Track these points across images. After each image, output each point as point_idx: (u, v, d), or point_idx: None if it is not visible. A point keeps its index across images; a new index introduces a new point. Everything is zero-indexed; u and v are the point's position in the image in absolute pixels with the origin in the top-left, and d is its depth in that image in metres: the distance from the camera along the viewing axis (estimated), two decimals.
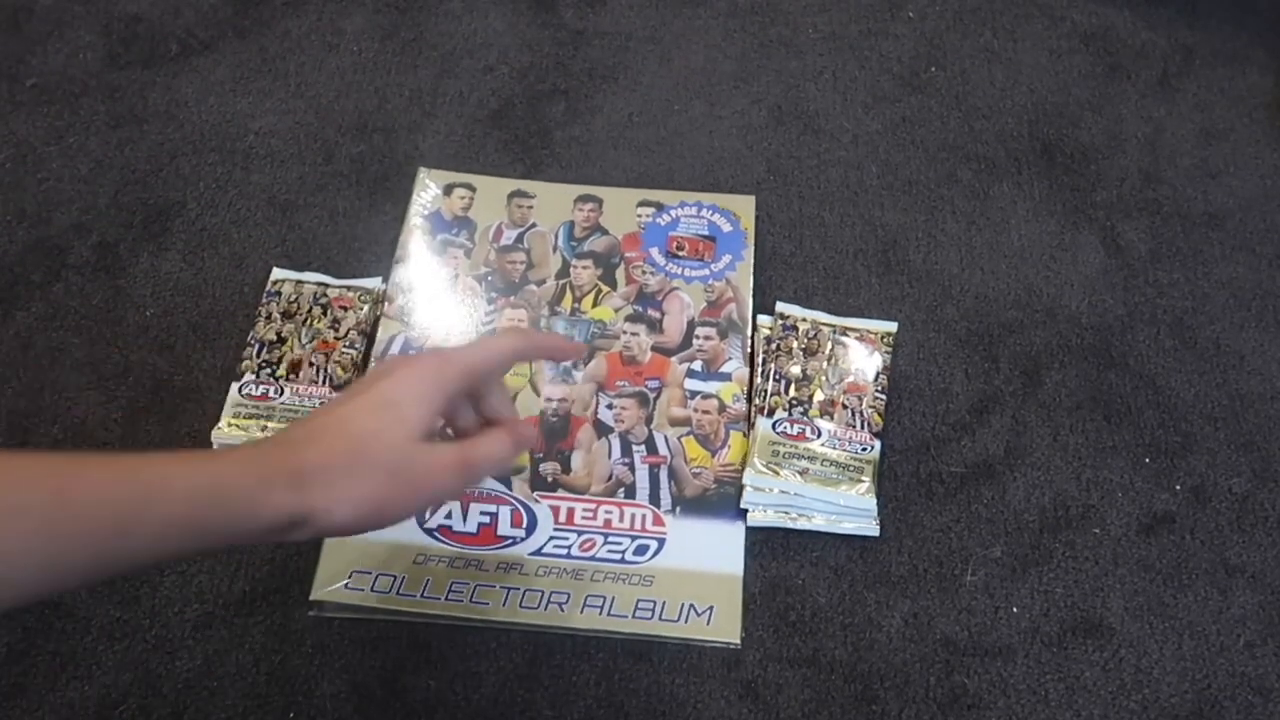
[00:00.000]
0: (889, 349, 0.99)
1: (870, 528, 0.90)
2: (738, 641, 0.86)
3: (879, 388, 0.96)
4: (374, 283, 1.02)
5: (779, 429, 0.92)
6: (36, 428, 0.95)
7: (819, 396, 0.95)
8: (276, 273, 1.03)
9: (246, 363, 0.96)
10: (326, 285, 1.01)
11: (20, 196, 1.08)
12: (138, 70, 1.18)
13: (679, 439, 0.94)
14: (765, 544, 0.90)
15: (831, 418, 0.93)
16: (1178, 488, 0.94)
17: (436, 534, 0.89)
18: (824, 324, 0.99)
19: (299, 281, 1.01)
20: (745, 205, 1.08)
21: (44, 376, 0.98)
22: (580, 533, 0.90)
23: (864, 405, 0.94)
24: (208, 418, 0.94)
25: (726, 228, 1.07)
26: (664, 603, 0.86)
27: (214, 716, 0.82)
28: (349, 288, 1.01)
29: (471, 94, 1.17)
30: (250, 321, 1.00)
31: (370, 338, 0.99)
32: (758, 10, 1.24)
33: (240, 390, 0.94)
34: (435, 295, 1.02)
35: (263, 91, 1.16)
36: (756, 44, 1.22)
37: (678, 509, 0.91)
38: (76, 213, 1.08)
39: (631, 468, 0.93)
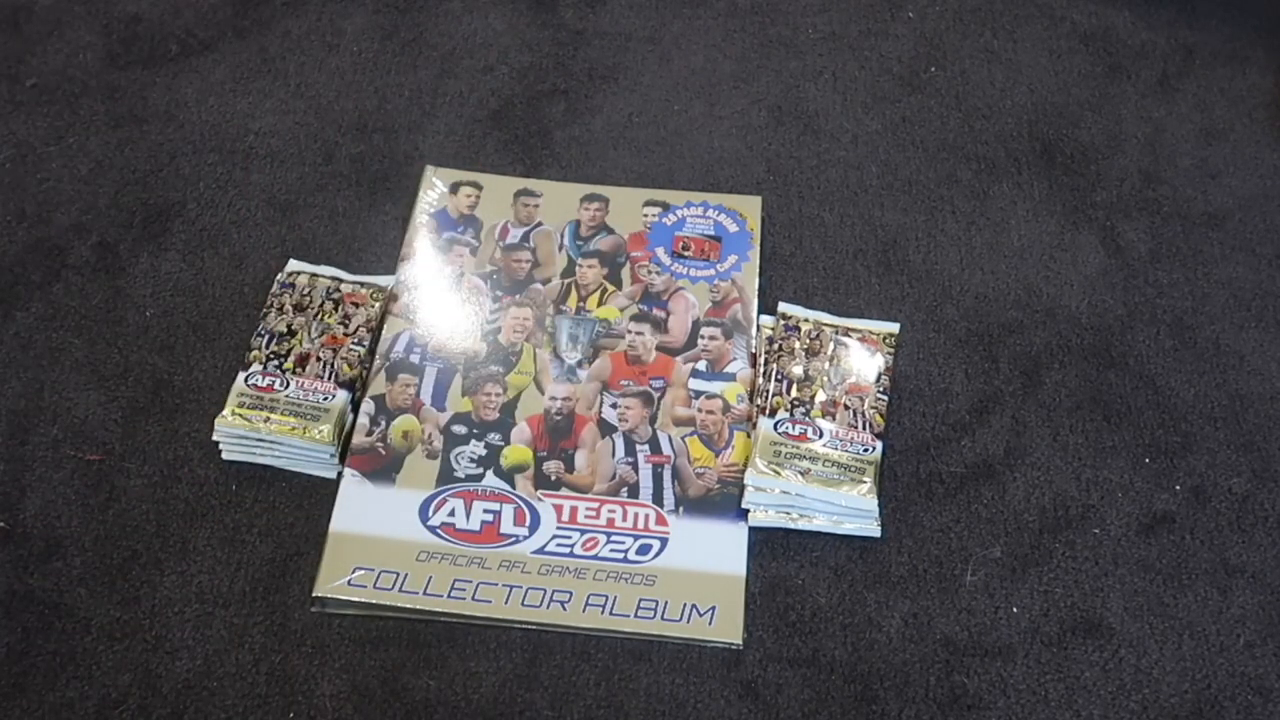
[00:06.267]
0: (891, 350, 0.99)
1: (872, 529, 0.90)
2: (740, 642, 0.86)
3: (881, 389, 0.96)
4: (387, 280, 1.03)
5: (781, 429, 0.93)
6: (36, 428, 0.95)
7: (821, 397, 0.95)
8: (292, 264, 1.03)
9: (255, 353, 0.96)
10: (340, 280, 1.02)
11: (20, 196, 1.08)
12: (138, 70, 1.17)
13: (683, 439, 0.94)
14: (765, 544, 0.91)
15: (833, 418, 0.93)
16: (1178, 488, 0.94)
17: (439, 531, 0.89)
18: (826, 324, 1.00)
19: (314, 275, 1.02)
20: (751, 205, 1.08)
21: (44, 376, 0.97)
22: (583, 532, 0.90)
23: (865, 406, 0.94)
24: (208, 417, 0.94)
25: (732, 228, 1.07)
26: (666, 602, 0.87)
27: (214, 716, 0.82)
28: (361, 284, 1.02)
29: (471, 94, 1.17)
30: (251, 321, 1.00)
31: (376, 335, 0.99)
32: (758, 10, 1.24)
33: (246, 380, 0.94)
34: (441, 293, 1.02)
35: (263, 91, 1.16)
36: (756, 44, 1.22)
37: (681, 509, 0.91)
38: (76, 213, 1.07)
39: (635, 467, 0.93)
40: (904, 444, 0.96)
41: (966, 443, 0.96)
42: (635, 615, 0.86)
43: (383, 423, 0.95)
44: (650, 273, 1.04)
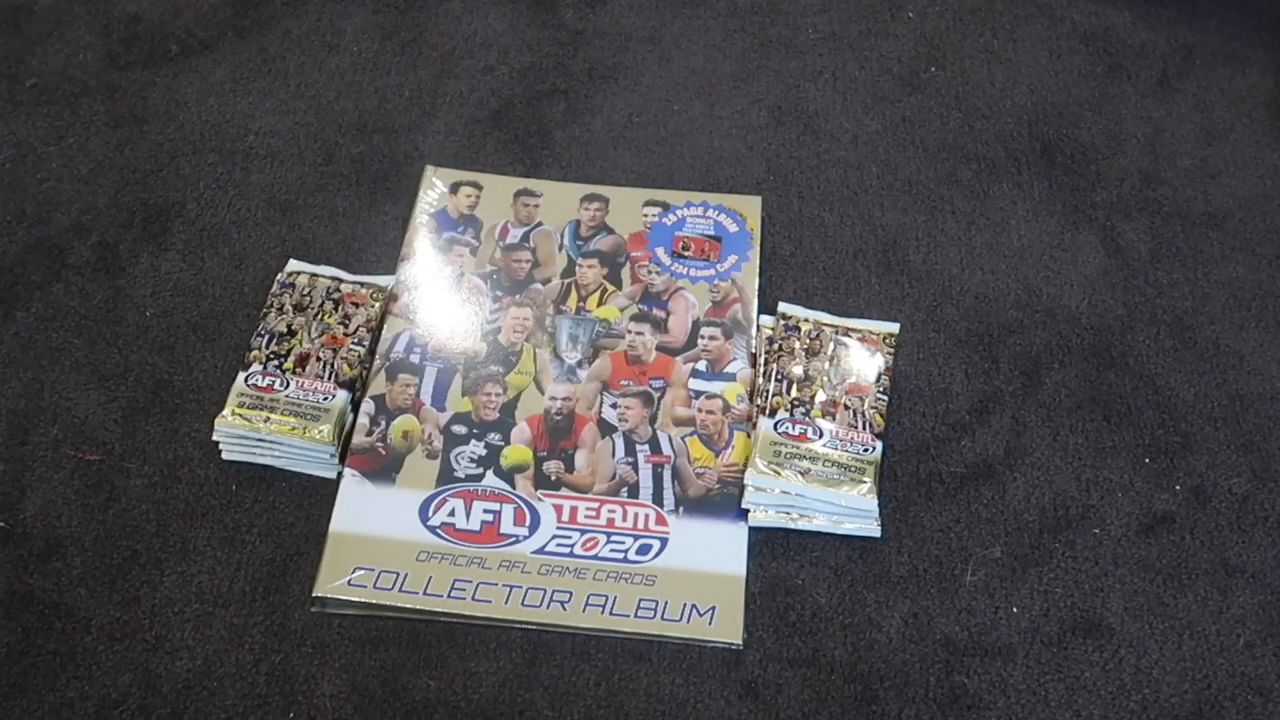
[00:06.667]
0: (891, 350, 0.99)
1: (871, 529, 0.90)
2: (739, 642, 0.86)
3: (880, 389, 0.96)
4: (387, 280, 1.03)
5: (781, 429, 0.93)
6: (36, 428, 0.95)
7: (821, 397, 0.95)
8: (292, 264, 1.03)
9: (255, 353, 0.96)
10: (340, 280, 1.02)
11: (20, 196, 1.08)
12: (138, 70, 1.17)
13: (683, 439, 0.94)
14: (765, 544, 0.91)
15: (833, 418, 0.93)
16: (1178, 488, 0.94)
17: (439, 531, 0.89)
18: (826, 324, 1.00)
19: (314, 275, 1.02)
20: (751, 205, 1.08)
21: (44, 376, 0.97)
22: (583, 531, 0.90)
23: (865, 406, 0.94)
24: (208, 417, 0.94)
25: (732, 228, 1.07)
26: (666, 602, 0.87)
27: (214, 716, 0.82)
28: (361, 284, 1.02)
29: (471, 94, 1.17)
30: (251, 321, 1.00)
31: (376, 335, 0.99)
32: (758, 10, 1.24)
33: (246, 380, 0.94)
34: (440, 293, 1.02)
35: (263, 91, 1.16)
36: (756, 44, 1.22)
37: (681, 509, 0.91)
38: (76, 213, 1.07)
39: (635, 467, 0.93)
40: (904, 444, 0.96)
41: (966, 443, 0.96)
42: (635, 615, 0.86)
43: (383, 423, 0.95)
44: (650, 273, 1.04)
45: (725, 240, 1.06)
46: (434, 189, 1.09)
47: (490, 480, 0.92)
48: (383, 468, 0.93)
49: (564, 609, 0.86)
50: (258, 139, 1.13)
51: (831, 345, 0.98)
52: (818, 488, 0.90)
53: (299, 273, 1.02)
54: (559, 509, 0.91)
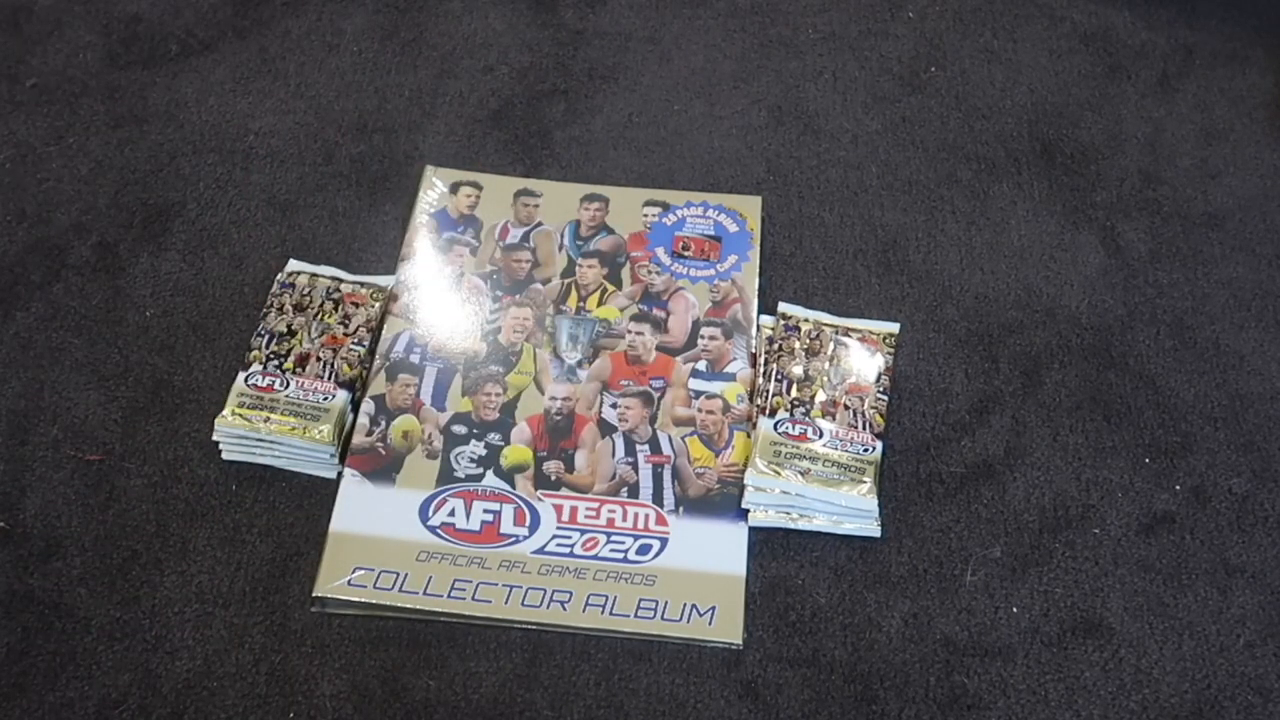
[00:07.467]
0: (891, 350, 0.99)
1: (872, 529, 0.90)
2: (739, 642, 0.86)
3: (881, 389, 0.96)
4: (387, 280, 1.03)
5: (781, 429, 0.93)
6: (36, 428, 0.95)
7: (821, 397, 0.95)
8: (292, 264, 1.03)
9: (255, 353, 0.96)
10: (340, 280, 1.02)
11: (20, 196, 1.08)
12: (138, 70, 1.17)
13: (683, 439, 0.94)
14: (765, 544, 0.91)
15: (833, 418, 0.93)
16: (1178, 488, 0.94)
17: (439, 531, 0.89)
18: (826, 324, 1.00)
19: (314, 275, 1.02)
20: (751, 205, 1.08)
21: (44, 376, 0.98)
22: (583, 532, 0.90)
23: (865, 406, 0.94)
24: (208, 417, 0.94)
25: (732, 228, 1.07)
26: (666, 602, 0.87)
27: (214, 716, 0.83)
28: (361, 284, 1.02)
29: (471, 94, 1.17)
30: (251, 321, 1.00)
31: (376, 335, 0.99)
32: (758, 10, 1.24)
33: (246, 380, 0.94)
34: (440, 293, 1.02)
35: (263, 91, 1.16)
36: (756, 44, 1.22)
37: (681, 509, 0.91)
38: (76, 213, 1.07)
39: (635, 467, 0.93)
40: (904, 444, 0.96)
41: (966, 443, 0.96)
42: (635, 615, 0.86)
43: (383, 423, 0.95)
44: (650, 273, 1.04)
45: (725, 240, 1.06)
46: (434, 189, 1.09)
47: (490, 480, 0.92)
48: (383, 468, 0.93)
49: (564, 609, 0.86)
50: (258, 139, 1.13)
51: (831, 345, 0.98)
52: (818, 488, 0.90)
53: (299, 273, 1.02)
54: (559, 509, 0.91)
